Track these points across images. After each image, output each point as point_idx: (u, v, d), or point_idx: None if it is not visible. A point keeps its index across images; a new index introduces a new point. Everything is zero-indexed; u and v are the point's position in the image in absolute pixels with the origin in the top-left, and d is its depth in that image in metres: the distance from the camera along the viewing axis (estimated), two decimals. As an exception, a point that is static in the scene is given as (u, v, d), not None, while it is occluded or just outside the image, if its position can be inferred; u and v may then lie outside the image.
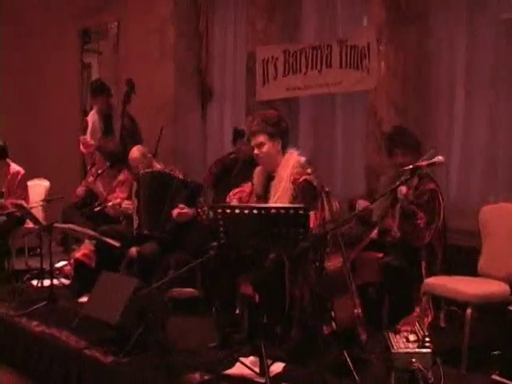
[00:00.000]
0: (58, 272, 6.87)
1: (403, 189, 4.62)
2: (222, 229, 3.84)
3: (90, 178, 6.73)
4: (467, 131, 6.16)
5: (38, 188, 7.83)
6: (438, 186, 4.96)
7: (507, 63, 5.86)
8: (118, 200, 6.24)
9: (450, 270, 4.82)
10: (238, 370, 4.01)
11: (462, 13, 6.11)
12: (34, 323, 5.31)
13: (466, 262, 4.98)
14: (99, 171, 6.61)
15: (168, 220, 5.71)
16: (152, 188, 5.89)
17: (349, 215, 4.27)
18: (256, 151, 4.64)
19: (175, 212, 5.65)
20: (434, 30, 6.28)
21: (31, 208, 6.53)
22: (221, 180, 6.82)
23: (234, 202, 4.63)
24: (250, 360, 4.09)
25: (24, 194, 7.32)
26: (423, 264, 4.78)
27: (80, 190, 6.84)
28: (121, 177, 6.61)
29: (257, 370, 3.91)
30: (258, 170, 4.80)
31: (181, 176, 5.87)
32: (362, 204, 5.27)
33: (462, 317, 4.27)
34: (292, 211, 3.72)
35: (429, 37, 6.29)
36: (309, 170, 4.26)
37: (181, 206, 5.65)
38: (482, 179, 6.07)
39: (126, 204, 6.16)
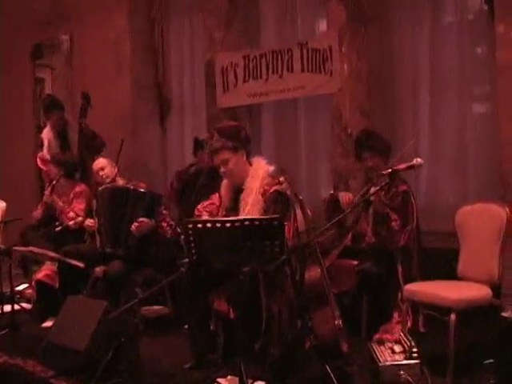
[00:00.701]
0: (18, 296, 6.63)
1: (372, 190, 4.52)
2: (193, 244, 3.65)
3: (46, 192, 6.50)
4: (434, 131, 6.11)
5: (-6, 209, 7.57)
6: (410, 188, 4.87)
7: (471, 61, 5.82)
8: (80, 218, 6.04)
9: (425, 274, 4.73)
10: (216, 391, 3.84)
11: (424, 12, 6.06)
12: (-3, 353, 5.09)
13: (441, 264, 4.88)
14: (53, 182, 6.41)
15: (129, 235, 5.52)
16: (111, 205, 5.72)
17: (329, 223, 4.11)
18: (222, 169, 4.44)
19: (134, 226, 5.46)
20: (397, 30, 6.23)
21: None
22: (184, 194, 6.62)
23: (205, 216, 4.43)
24: (228, 380, 3.93)
25: (-21, 216, 7.07)
26: (399, 268, 4.69)
27: (37, 213, 6.62)
28: (77, 188, 6.48)
29: (236, 390, 3.74)
30: (224, 182, 4.60)
31: (142, 189, 5.69)
32: (344, 196, 5.11)
33: (442, 322, 4.13)
34: (266, 222, 3.55)
35: (391, 37, 6.24)
36: (281, 179, 4.10)
37: (140, 219, 5.46)
38: (451, 180, 6.02)
39: (88, 222, 5.96)
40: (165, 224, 5.55)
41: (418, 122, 6.21)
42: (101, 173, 5.98)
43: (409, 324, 4.50)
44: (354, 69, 6.10)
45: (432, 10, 6.01)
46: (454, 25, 5.90)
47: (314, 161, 7.03)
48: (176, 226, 5.59)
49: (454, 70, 5.92)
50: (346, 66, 6.11)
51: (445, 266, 4.73)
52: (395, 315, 4.63)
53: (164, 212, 5.70)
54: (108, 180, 5.92)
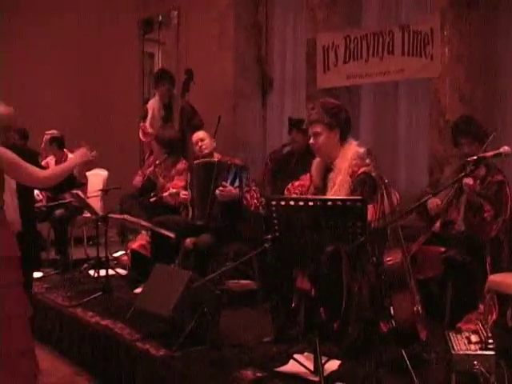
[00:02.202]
0: (115, 262, 6.89)
1: (469, 180, 4.44)
2: (276, 221, 3.71)
3: (150, 168, 6.66)
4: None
5: (97, 178, 7.90)
6: (506, 178, 4.75)
7: None
8: (175, 190, 6.17)
9: (517, 267, 4.62)
10: (291, 367, 3.89)
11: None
12: (89, 314, 5.33)
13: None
14: (157, 161, 6.54)
15: (215, 204, 5.67)
16: (202, 178, 5.88)
17: (409, 207, 4.09)
18: (312, 141, 4.49)
19: (219, 191, 5.61)
20: (500, 14, 6.05)
21: (89, 198, 6.55)
22: (278, 174, 6.68)
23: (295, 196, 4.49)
24: (304, 356, 3.98)
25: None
26: (488, 259, 4.61)
27: (137, 181, 6.79)
28: (179, 166, 6.53)
29: (311, 367, 3.78)
30: (316, 161, 4.64)
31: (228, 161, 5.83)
32: (432, 202, 5.03)
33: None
34: (349, 203, 3.57)
35: (494, 22, 6.07)
36: (367, 161, 4.08)
37: (223, 184, 5.60)
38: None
39: (183, 194, 6.10)
40: (249, 196, 5.63)
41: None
42: (200, 143, 6.08)
43: (493, 316, 4.40)
44: (455, 53, 5.98)
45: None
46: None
47: (412, 145, 6.95)
48: (262, 201, 5.67)
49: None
50: (447, 50, 5.99)
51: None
52: (481, 306, 4.54)
53: (251, 185, 5.79)
54: (206, 151, 6.03)
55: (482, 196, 4.64)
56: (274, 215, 3.70)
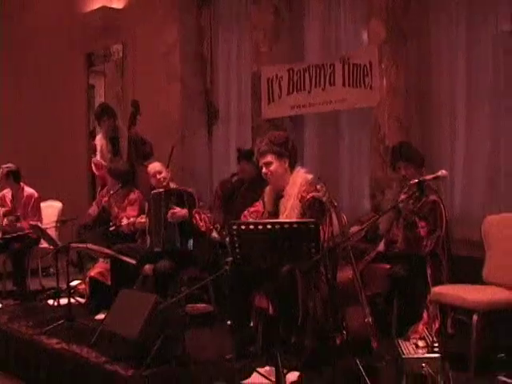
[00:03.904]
0: (72, 291, 7.05)
1: (402, 196, 4.84)
2: (237, 245, 4.01)
3: (104, 199, 6.88)
4: (469, 144, 6.29)
5: (51, 209, 8.05)
6: (440, 198, 5.13)
7: (506, 75, 6.00)
8: (132, 219, 6.42)
9: (455, 280, 4.96)
10: (255, 379, 4.18)
11: (461, 28, 6.28)
12: (54, 341, 5.46)
13: (471, 271, 5.08)
14: (111, 192, 6.78)
15: (168, 229, 5.98)
16: (155, 207, 6.17)
17: (357, 230, 4.45)
18: (264, 170, 4.84)
19: (168, 215, 5.92)
20: (434, 46, 6.46)
21: (46, 229, 6.71)
22: (228, 201, 6.93)
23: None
24: (265, 370, 4.25)
25: (38, 215, 7.52)
26: (429, 273, 4.95)
27: (93, 210, 7.00)
28: (131, 196, 6.78)
29: (273, 379, 4.05)
30: (268, 188, 5.01)
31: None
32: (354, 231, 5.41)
33: (468, 324, 4.43)
34: (303, 225, 3.91)
35: (429, 53, 6.47)
36: (318, 187, 4.43)
37: (172, 207, 5.94)
38: (485, 190, 6.19)
39: (140, 219, 6.36)
40: (198, 216, 5.92)
41: (455, 134, 6.39)
42: (158, 176, 6.26)
43: (436, 325, 4.77)
44: (392, 83, 6.33)
45: (468, 25, 6.21)
46: (489, 38, 6.07)
47: (354, 170, 7.29)
48: (217, 226, 5.99)
49: (489, 82, 6.10)
50: (385, 81, 6.36)
51: (475, 273, 4.96)
52: (425, 316, 4.89)
53: (199, 206, 6.10)
54: (165, 183, 6.25)
55: (418, 214, 5.01)
56: (235, 239, 4.01)
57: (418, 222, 4.95)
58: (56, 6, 10.06)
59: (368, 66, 6.49)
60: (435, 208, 5.01)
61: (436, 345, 3.64)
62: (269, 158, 4.81)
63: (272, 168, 4.81)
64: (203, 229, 5.98)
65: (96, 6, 9.58)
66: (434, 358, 3.62)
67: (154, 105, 8.40)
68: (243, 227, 3.99)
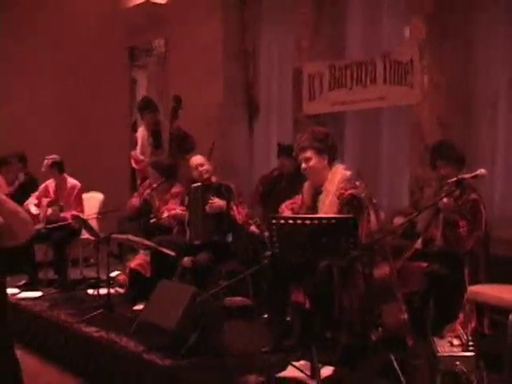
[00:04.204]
0: (112, 281, 7.16)
1: (446, 199, 4.82)
2: (275, 239, 4.06)
3: (147, 191, 6.98)
4: (510, 143, 6.29)
5: (93, 201, 8.18)
6: (480, 197, 5.11)
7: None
8: (173, 212, 6.50)
9: (493, 279, 4.94)
10: (290, 372, 4.22)
11: (502, 26, 6.25)
12: (93, 329, 5.57)
13: (509, 271, 5.08)
14: (154, 185, 6.88)
15: (207, 221, 6.11)
16: (195, 200, 6.30)
17: (395, 226, 4.46)
18: (303, 165, 4.87)
19: (207, 206, 6.02)
20: (476, 44, 6.43)
21: (88, 220, 6.84)
22: (267, 197, 7.01)
23: (288, 214, 4.86)
24: (300, 364, 4.29)
25: (80, 206, 7.65)
26: (466, 272, 4.93)
27: (135, 201, 7.09)
28: (174, 190, 6.88)
29: (308, 372, 4.11)
30: (307, 184, 5.04)
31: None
32: (397, 222, 5.43)
33: (505, 324, 4.42)
34: (342, 221, 3.94)
35: (471, 51, 6.44)
36: (357, 183, 4.45)
37: (211, 198, 6.06)
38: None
39: (180, 210, 6.44)
40: (235, 208, 5.99)
41: (496, 133, 6.39)
42: (200, 168, 6.36)
43: (473, 324, 4.76)
44: (433, 81, 6.35)
45: (509, 23, 6.19)
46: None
47: (394, 168, 7.31)
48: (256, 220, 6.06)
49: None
50: (426, 78, 6.38)
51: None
52: (461, 315, 4.89)
53: (237, 200, 6.19)
54: (207, 176, 6.34)
55: (458, 213, 5.00)
56: (274, 233, 4.06)
57: (458, 221, 4.94)
58: (102, 1, 10.18)
59: (409, 64, 6.50)
60: (476, 207, 4.99)
61: (471, 343, 3.65)
62: (308, 153, 4.84)
63: (311, 163, 4.84)
64: (240, 222, 6.06)
65: (139, 0, 9.70)
66: (469, 356, 3.63)
67: (196, 99, 8.47)
68: (282, 221, 4.04)
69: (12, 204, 2.52)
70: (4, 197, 2.48)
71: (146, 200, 6.95)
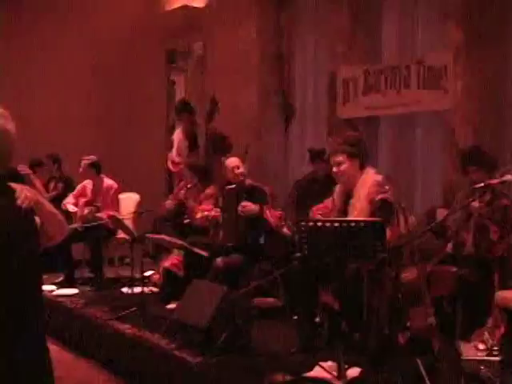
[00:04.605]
0: (146, 280, 7.28)
1: (476, 204, 4.84)
2: (305, 241, 4.14)
3: (181, 192, 7.10)
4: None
5: (129, 201, 8.33)
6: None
7: None
8: (206, 213, 6.60)
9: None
10: (317, 372, 4.28)
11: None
12: (127, 326, 5.72)
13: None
14: (188, 186, 6.99)
15: (240, 223, 6.15)
16: (229, 202, 6.34)
17: (424, 228, 4.50)
18: (335, 169, 4.93)
19: (240, 209, 6.08)
20: (510, 49, 6.44)
21: (124, 219, 6.96)
22: (301, 200, 7.07)
23: (318, 217, 4.93)
24: (328, 364, 4.35)
25: (116, 206, 7.80)
26: (496, 277, 4.95)
27: (170, 203, 7.22)
28: (208, 191, 6.98)
29: (335, 373, 4.17)
30: (338, 188, 5.10)
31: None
32: (441, 213, 5.46)
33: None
34: (369, 224, 4.01)
35: (505, 57, 6.46)
36: (386, 187, 4.52)
37: (243, 203, 6.10)
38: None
39: (215, 211, 6.54)
40: (268, 212, 6.06)
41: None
42: (236, 171, 6.39)
43: (501, 330, 4.77)
44: (467, 87, 6.37)
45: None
46: None
47: (427, 172, 7.32)
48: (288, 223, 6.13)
49: None
50: (459, 84, 6.40)
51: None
52: (489, 321, 4.91)
53: (271, 202, 6.25)
54: (242, 178, 6.38)
55: (489, 218, 5.03)
56: (303, 235, 4.14)
57: (489, 226, 4.96)
58: (139, 5, 10.34)
59: (443, 69, 6.52)
60: (507, 212, 5.01)
61: (496, 348, 3.68)
62: (340, 157, 4.90)
63: (343, 167, 4.90)
64: (273, 225, 6.12)
65: (177, 4, 9.84)
66: (494, 361, 3.66)
67: (232, 102, 8.58)
68: (311, 224, 4.12)
69: (49, 206, 2.62)
70: (42, 199, 2.58)
71: (180, 201, 7.05)
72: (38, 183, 6.94)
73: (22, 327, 2.42)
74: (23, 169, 6.64)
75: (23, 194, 2.43)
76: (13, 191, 2.43)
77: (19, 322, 2.41)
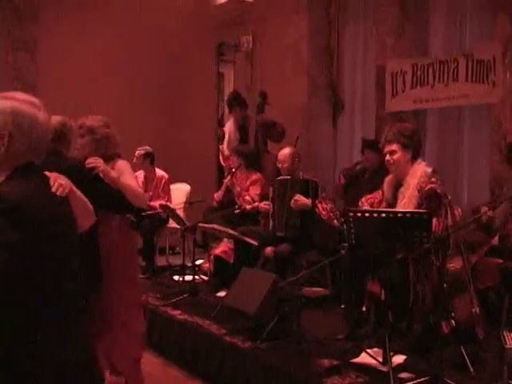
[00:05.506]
0: (197, 268, 7.47)
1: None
2: (352, 231, 4.26)
3: (228, 178, 7.31)
4: None
5: (180, 192, 8.51)
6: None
7: None
8: (256, 203, 6.76)
9: None
10: (363, 359, 4.41)
11: None
12: (178, 312, 5.92)
13: None
14: (233, 169, 7.19)
15: (291, 215, 6.25)
16: (280, 193, 6.46)
17: (469, 220, 4.58)
18: (388, 158, 5.01)
19: (292, 202, 6.19)
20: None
21: (175, 209, 7.15)
22: (350, 189, 7.18)
23: (366, 207, 5.03)
24: (374, 351, 4.47)
25: (168, 196, 7.99)
26: (542, 269, 5.01)
27: (218, 195, 7.40)
28: (254, 177, 7.16)
29: (380, 359, 4.29)
30: (388, 178, 5.17)
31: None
32: (483, 210, 5.51)
33: None
34: (416, 215, 4.11)
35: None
36: (433, 179, 4.60)
37: (296, 197, 6.18)
38: None
39: (263, 204, 6.68)
40: (320, 206, 6.17)
41: None
42: (285, 165, 6.55)
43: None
44: (516, 80, 6.41)
45: None
46: None
47: (474, 165, 7.37)
48: (337, 214, 6.22)
49: None
50: (508, 77, 6.43)
51: None
52: (535, 311, 4.97)
53: (322, 197, 6.33)
54: (292, 169, 6.50)
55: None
56: (351, 225, 4.26)
57: (536, 219, 5.01)
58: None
59: (491, 62, 6.55)
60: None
61: (540, 336, 3.75)
62: (394, 146, 4.96)
63: (395, 157, 4.96)
64: (325, 217, 6.22)
65: (227, -2, 9.98)
66: (538, 348, 3.74)
67: (281, 95, 8.69)
68: (359, 214, 4.24)
69: (80, 194, 2.65)
70: (73, 187, 2.58)
71: (228, 189, 7.21)
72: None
73: (81, 312, 2.42)
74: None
75: (57, 182, 2.44)
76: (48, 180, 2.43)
77: (77, 308, 2.40)
